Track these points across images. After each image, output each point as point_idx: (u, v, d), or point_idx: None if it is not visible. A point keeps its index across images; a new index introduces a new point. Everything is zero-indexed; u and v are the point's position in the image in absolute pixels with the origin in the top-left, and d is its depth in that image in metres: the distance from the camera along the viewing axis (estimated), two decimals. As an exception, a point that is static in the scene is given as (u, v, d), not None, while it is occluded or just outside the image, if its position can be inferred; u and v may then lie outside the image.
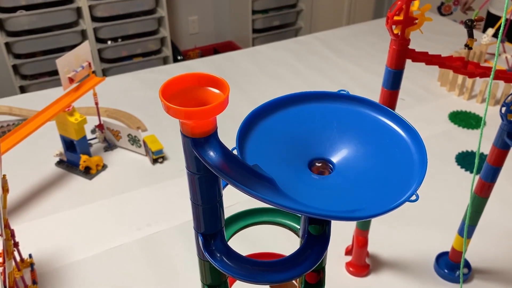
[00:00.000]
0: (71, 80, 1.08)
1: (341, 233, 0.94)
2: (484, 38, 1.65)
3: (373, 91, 1.57)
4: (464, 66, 0.64)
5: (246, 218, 0.46)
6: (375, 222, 1.02)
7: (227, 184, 0.43)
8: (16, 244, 0.88)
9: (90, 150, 1.18)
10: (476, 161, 0.60)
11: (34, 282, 0.88)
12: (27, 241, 0.96)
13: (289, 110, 0.40)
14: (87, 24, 2.54)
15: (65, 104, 1.07)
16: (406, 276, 0.90)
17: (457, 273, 0.89)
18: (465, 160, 1.20)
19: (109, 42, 2.68)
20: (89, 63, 1.14)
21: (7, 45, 2.43)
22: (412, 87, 1.54)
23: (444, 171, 1.17)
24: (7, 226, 0.78)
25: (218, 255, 0.38)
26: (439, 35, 1.89)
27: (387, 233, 0.99)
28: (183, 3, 3.11)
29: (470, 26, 0.60)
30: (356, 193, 0.34)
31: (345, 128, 0.39)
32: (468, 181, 1.14)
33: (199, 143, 0.32)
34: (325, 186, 0.35)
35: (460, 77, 1.48)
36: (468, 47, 0.62)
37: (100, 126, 1.24)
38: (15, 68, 2.50)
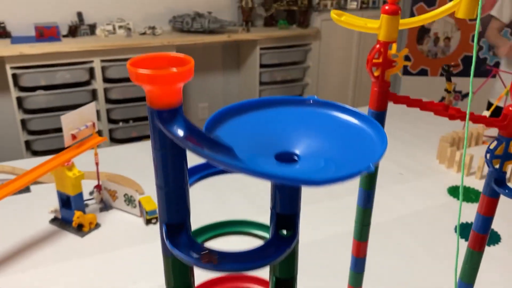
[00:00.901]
0: (73, 137, 1.12)
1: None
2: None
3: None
4: (445, 109, 0.66)
5: (214, 229, 0.46)
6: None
7: (194, 182, 0.43)
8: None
9: (85, 209, 1.18)
10: (461, 194, 0.60)
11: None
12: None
13: (258, 113, 0.42)
14: (101, 105, 2.67)
15: (65, 159, 1.10)
16: None
17: None
18: (465, 231, 1.17)
19: (120, 123, 2.80)
20: (93, 123, 1.19)
21: (23, 121, 2.54)
22: (411, 163, 1.55)
23: (444, 241, 1.14)
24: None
25: (183, 246, 0.37)
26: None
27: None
28: (194, 91, 3.28)
29: (447, 71, 0.64)
30: (319, 168, 0.34)
31: (311, 126, 0.40)
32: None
33: (163, 115, 0.33)
34: (290, 169, 0.36)
35: (458, 154, 1.50)
36: (447, 90, 0.65)
37: (98, 187, 1.26)
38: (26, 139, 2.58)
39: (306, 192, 1.58)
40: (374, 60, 0.64)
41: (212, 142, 0.33)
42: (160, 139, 0.34)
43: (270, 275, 0.43)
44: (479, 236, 0.74)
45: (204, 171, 0.44)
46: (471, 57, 2.98)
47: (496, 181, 0.69)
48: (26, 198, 1.30)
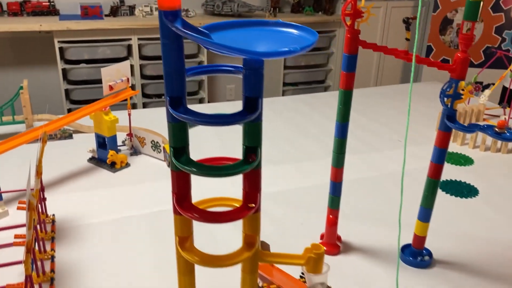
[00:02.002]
0: (110, 87, 1.33)
1: (318, 226, 1.06)
2: (482, 97, 1.81)
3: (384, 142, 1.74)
4: (405, 54, 0.81)
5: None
6: (348, 219, 1.14)
7: (189, 75, 0.61)
8: (44, 199, 1.06)
9: (118, 152, 1.39)
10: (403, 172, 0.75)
11: (53, 231, 1.04)
12: (55, 208, 1.14)
13: (237, 29, 0.59)
14: (136, 81, 2.91)
15: (103, 105, 1.31)
16: (373, 260, 0.99)
17: (418, 258, 0.98)
18: (447, 186, 1.31)
19: (153, 98, 3.02)
20: (127, 78, 1.39)
21: (67, 91, 2.81)
22: (411, 133, 1.68)
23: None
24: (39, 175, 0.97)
25: (182, 110, 0.55)
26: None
27: (359, 228, 1.10)
28: (222, 75, 3.47)
29: (406, 22, 0.79)
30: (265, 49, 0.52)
31: (271, 36, 0.57)
32: (446, 201, 1.25)
33: (168, 14, 0.51)
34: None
35: (455, 126, 1.62)
36: (406, 39, 0.81)
37: (130, 135, 1.46)
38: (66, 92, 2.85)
39: (310, 148, 1.74)
40: (346, 11, 0.80)
41: (197, 30, 0.51)
42: (165, 31, 0.52)
43: (242, 146, 0.60)
44: (437, 166, 0.89)
45: (196, 70, 0.62)
46: (493, 47, 3.04)
47: (448, 117, 0.84)
48: (69, 143, 1.53)
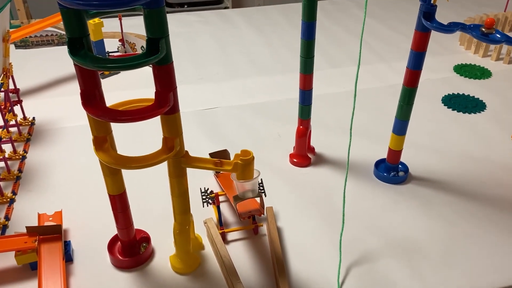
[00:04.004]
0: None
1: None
2: (519, 3, 1.58)
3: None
4: None
5: None
6: (320, 130, 1.08)
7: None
8: (20, 101, 1.07)
9: (106, 54, 1.36)
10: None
11: (29, 134, 1.06)
12: (36, 111, 1.15)
13: None
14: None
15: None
16: (344, 173, 0.94)
17: (391, 173, 0.91)
18: (451, 100, 1.20)
19: (175, 6, 2.92)
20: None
21: None
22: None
23: (426, 106, 1.18)
24: (7, 74, 0.97)
25: None
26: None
27: (332, 139, 1.04)
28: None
29: None
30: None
31: None
32: (446, 116, 1.14)
33: None
34: None
35: (479, 35, 1.45)
36: None
37: (121, 40, 1.42)
38: None
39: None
40: None
41: None
42: None
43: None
44: (413, 72, 0.80)
45: None
46: None
47: (425, 15, 0.73)
48: (65, 49, 1.51)
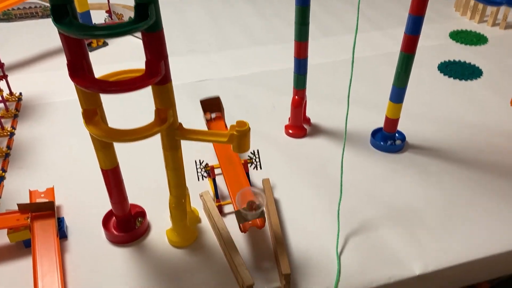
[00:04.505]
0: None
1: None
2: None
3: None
4: None
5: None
6: (316, 101, 1.06)
7: None
8: (5, 76, 1.03)
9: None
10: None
11: (17, 110, 1.03)
12: (23, 86, 1.12)
13: None
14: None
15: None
16: (342, 143, 0.93)
17: (388, 142, 0.90)
18: (448, 67, 1.18)
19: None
20: None
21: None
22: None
23: (423, 73, 1.16)
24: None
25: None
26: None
27: (327, 110, 1.02)
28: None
29: None
30: None
31: None
32: (442, 83, 1.13)
33: None
34: None
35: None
36: None
37: (109, 11, 1.37)
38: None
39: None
40: None
41: None
42: None
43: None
44: (411, 38, 0.77)
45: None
46: None
47: (425, -23, 0.70)
48: (46, 22, 1.46)
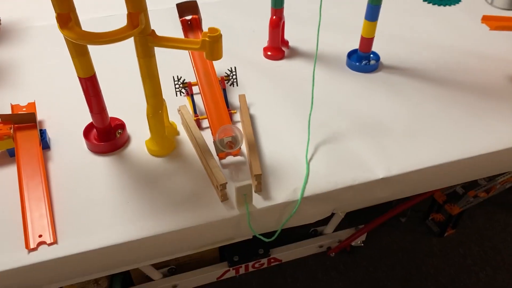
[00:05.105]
0: None
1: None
2: None
3: None
4: None
5: None
6: (294, 24, 1.07)
7: None
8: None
9: None
10: None
11: (-4, 33, 1.03)
12: (3, 11, 1.11)
13: None
14: None
15: None
16: (318, 64, 0.95)
17: (363, 62, 0.92)
18: (428, -7, 1.18)
19: None
20: None
21: None
22: None
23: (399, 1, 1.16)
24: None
25: None
26: None
27: (306, 33, 1.02)
28: None
29: None
30: None
31: None
32: (420, 8, 1.14)
33: None
34: None
35: None
36: None
37: None
38: None
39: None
40: None
41: None
42: None
43: None
44: (385, -47, 0.77)
45: None
46: None
47: None
48: None
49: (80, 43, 0.61)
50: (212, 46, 0.63)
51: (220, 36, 0.63)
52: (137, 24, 0.60)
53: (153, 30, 0.63)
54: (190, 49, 0.64)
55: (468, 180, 0.82)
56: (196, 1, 0.89)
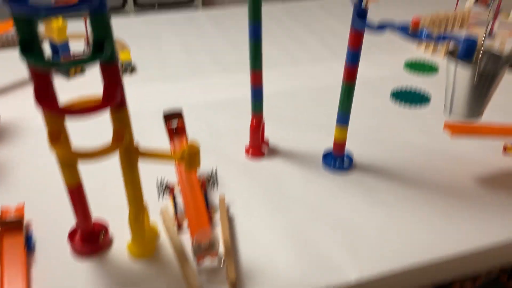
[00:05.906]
0: None
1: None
2: (467, 2, 1.68)
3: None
4: None
5: None
6: (275, 124, 1.14)
7: None
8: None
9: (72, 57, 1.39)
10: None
11: (-6, 133, 1.09)
12: (2, 111, 1.18)
13: None
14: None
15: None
16: (296, 164, 1.01)
17: (337, 164, 0.98)
18: (400, 95, 1.28)
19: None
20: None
21: None
22: (379, 39, 1.60)
23: (374, 100, 1.25)
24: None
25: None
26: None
27: (286, 132, 1.11)
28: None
29: None
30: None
31: None
32: (393, 109, 1.22)
33: None
34: None
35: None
36: None
37: (87, 39, 1.46)
38: None
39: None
40: None
41: None
42: None
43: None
44: (351, 68, 0.86)
45: None
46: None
47: (359, 14, 0.79)
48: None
49: (68, 160, 0.66)
50: (190, 159, 0.69)
51: (198, 151, 0.69)
52: (122, 140, 0.65)
53: (137, 144, 0.69)
54: (171, 161, 0.69)
55: (441, 280, 0.85)
56: (182, 112, 0.95)
